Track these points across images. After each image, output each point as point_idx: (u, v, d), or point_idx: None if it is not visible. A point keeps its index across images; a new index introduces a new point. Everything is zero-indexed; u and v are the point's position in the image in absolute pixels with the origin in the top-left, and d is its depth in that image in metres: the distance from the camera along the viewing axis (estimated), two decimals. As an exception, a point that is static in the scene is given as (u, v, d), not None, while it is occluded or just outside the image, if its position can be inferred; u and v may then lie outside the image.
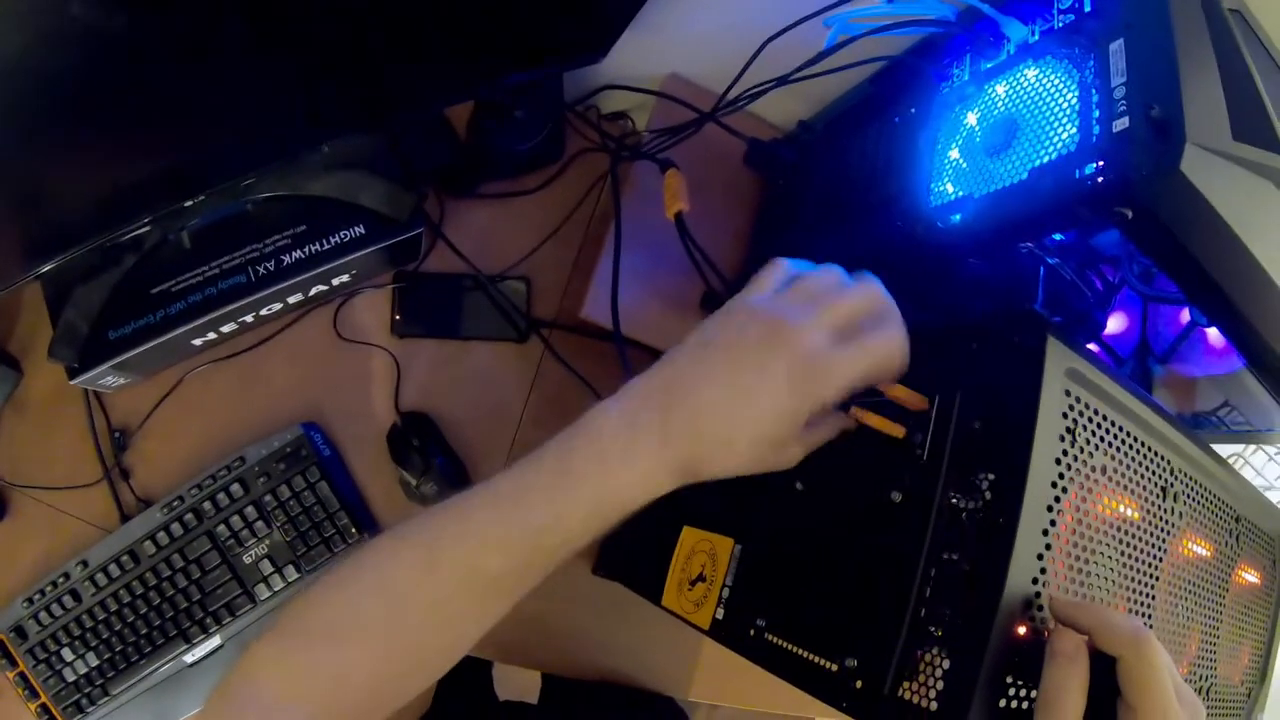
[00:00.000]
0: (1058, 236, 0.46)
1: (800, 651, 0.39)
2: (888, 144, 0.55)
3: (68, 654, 0.64)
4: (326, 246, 0.59)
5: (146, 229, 0.59)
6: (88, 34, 0.39)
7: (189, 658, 0.63)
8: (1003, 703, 0.31)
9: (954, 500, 0.34)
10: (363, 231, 0.59)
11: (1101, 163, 0.35)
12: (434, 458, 0.60)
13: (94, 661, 0.64)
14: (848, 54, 0.52)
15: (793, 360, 0.32)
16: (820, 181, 0.61)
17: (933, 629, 0.33)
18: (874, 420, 0.38)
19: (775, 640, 0.41)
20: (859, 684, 0.35)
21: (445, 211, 0.63)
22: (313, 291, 0.61)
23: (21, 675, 0.65)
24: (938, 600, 0.33)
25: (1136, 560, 0.38)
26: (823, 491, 0.43)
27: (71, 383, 0.59)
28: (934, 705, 0.31)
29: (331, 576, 0.35)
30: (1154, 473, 0.39)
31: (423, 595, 0.34)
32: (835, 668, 0.36)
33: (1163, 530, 0.39)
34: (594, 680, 0.65)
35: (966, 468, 0.35)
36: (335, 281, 0.61)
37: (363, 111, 0.59)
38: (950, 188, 0.47)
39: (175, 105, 0.49)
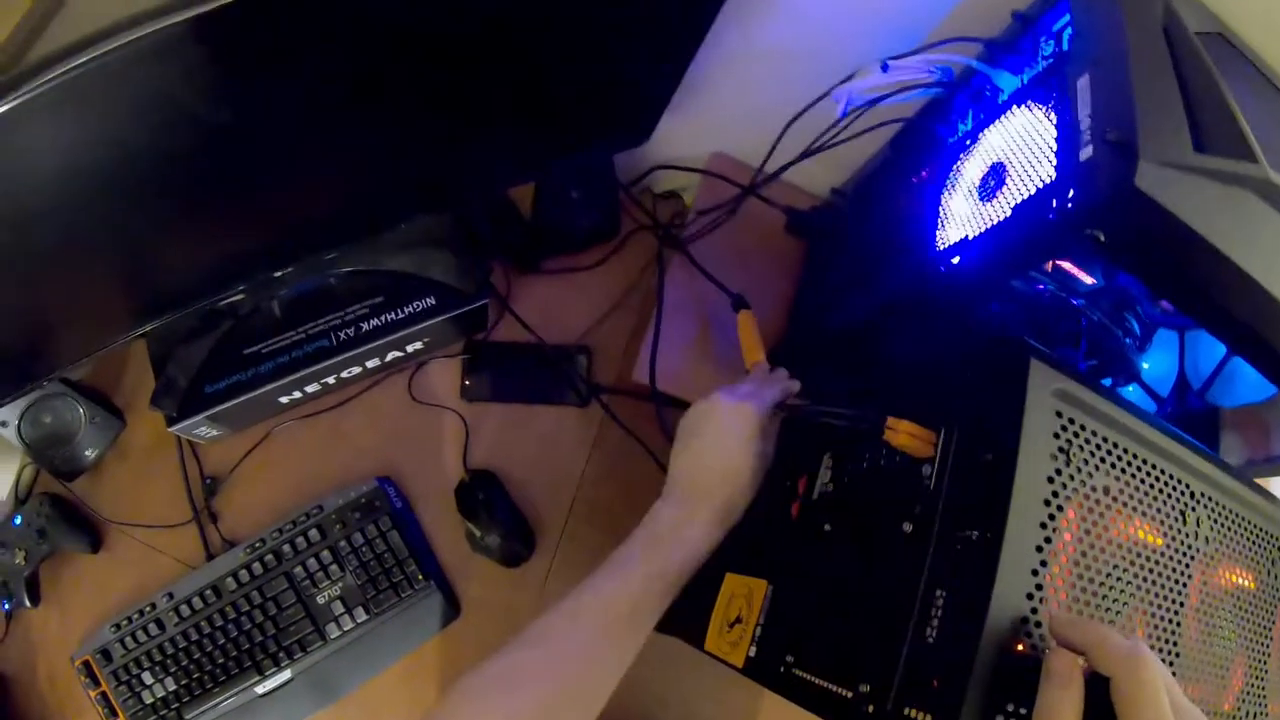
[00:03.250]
0: (1086, 282, 0.49)
1: (821, 682, 0.41)
2: (904, 200, 0.59)
3: (148, 678, 0.69)
4: (401, 316, 0.65)
5: (242, 296, 0.66)
6: (198, 127, 0.44)
7: (260, 689, 0.67)
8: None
9: (955, 525, 0.36)
10: (433, 303, 0.65)
11: (1072, 191, 0.36)
12: (499, 512, 0.65)
13: (171, 686, 0.69)
14: (865, 121, 0.58)
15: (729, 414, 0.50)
16: (852, 242, 0.66)
17: (932, 652, 0.34)
18: (902, 439, 0.41)
19: (801, 674, 0.43)
20: (870, 709, 0.36)
21: (512, 285, 0.68)
22: (389, 357, 0.66)
23: (103, 695, 0.70)
24: (936, 623, 0.34)
25: (1157, 586, 0.37)
26: (847, 530, 0.46)
27: (170, 430, 0.65)
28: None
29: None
30: (1169, 497, 0.39)
31: (570, 642, 0.44)
32: (850, 694, 0.38)
33: (1185, 556, 0.39)
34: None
35: (966, 493, 0.36)
36: (409, 348, 0.66)
37: (432, 194, 0.65)
38: (951, 233, 0.51)
39: (272, 190, 0.55)
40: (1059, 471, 0.35)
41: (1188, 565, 0.39)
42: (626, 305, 0.70)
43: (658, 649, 0.65)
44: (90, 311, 0.63)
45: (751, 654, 0.49)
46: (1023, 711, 0.31)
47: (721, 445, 0.50)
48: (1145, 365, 0.56)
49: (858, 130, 0.62)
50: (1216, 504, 0.42)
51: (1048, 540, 0.33)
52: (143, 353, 0.70)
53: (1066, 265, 0.52)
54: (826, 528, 0.48)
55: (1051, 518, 0.34)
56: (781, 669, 0.46)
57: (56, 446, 0.70)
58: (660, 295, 0.62)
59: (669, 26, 0.56)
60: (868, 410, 0.45)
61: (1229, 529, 0.43)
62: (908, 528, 0.40)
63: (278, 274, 0.64)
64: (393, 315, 0.64)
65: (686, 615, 0.64)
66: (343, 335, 0.64)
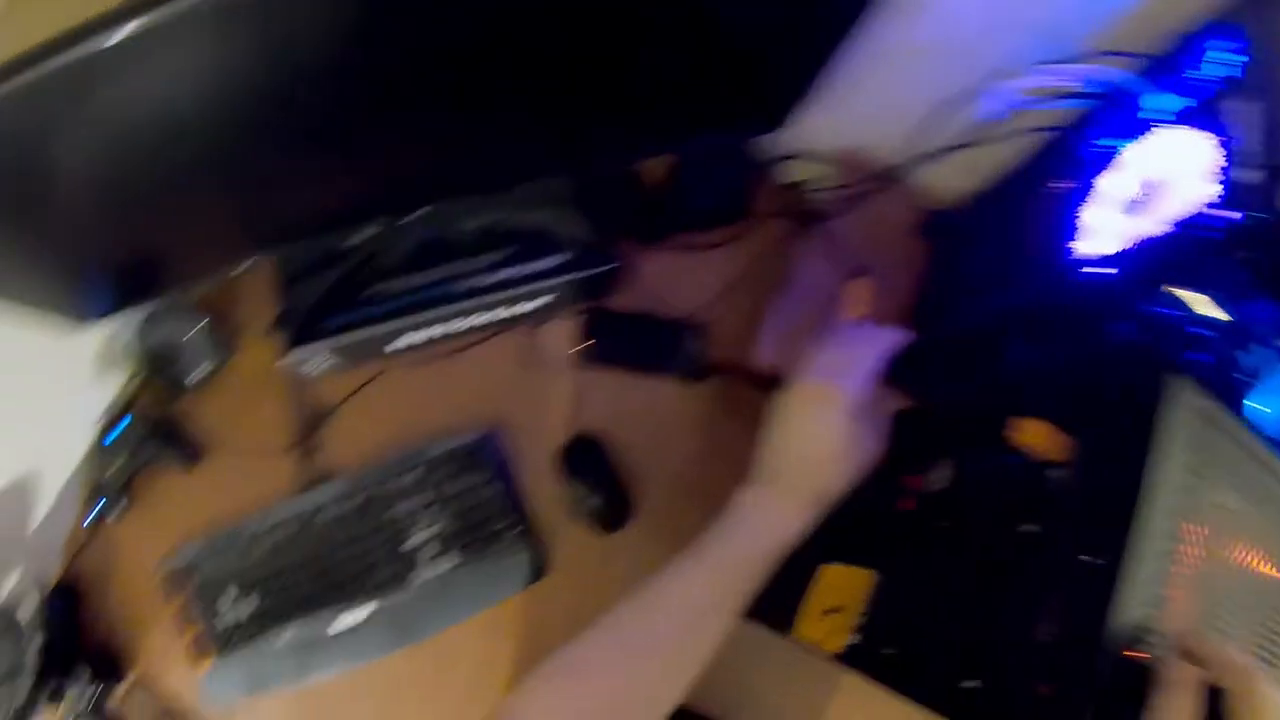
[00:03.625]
0: (1212, 314, 0.49)
1: (926, 674, 0.42)
2: (1042, 210, 0.59)
3: (229, 597, 0.69)
4: (528, 271, 0.65)
5: (373, 235, 0.66)
6: (354, 58, 0.45)
7: (338, 623, 0.68)
8: None
9: (1082, 530, 0.37)
10: (562, 262, 0.65)
11: (1236, 212, 0.38)
12: (600, 478, 0.65)
13: (250, 610, 0.69)
14: (1008, 127, 0.59)
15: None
16: (983, 247, 0.66)
17: (1051, 652, 0.35)
18: (1029, 439, 0.41)
19: (904, 665, 0.44)
20: (979, 703, 0.37)
21: (636, 255, 0.68)
22: (510, 312, 0.66)
23: (182, 609, 0.72)
24: (1057, 624, 0.35)
25: (1270, 617, 0.37)
26: (965, 528, 0.46)
27: (283, 359, 0.65)
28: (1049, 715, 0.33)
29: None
30: None
31: (644, 634, 0.43)
32: (958, 688, 0.39)
33: None
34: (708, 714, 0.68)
35: (1096, 499, 0.37)
36: (531, 306, 0.66)
37: (567, 156, 0.66)
38: (1091, 245, 0.52)
39: (416, 131, 0.56)
40: (1192, 489, 0.35)
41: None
42: (744, 289, 0.69)
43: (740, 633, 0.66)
44: (219, 232, 0.63)
45: (852, 642, 0.49)
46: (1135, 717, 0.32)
47: (807, 432, 0.47)
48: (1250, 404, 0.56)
49: (999, 134, 0.62)
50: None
51: (1174, 555, 0.34)
52: (263, 280, 0.71)
53: (1190, 293, 0.52)
54: (943, 524, 0.48)
55: (1180, 533, 0.34)
56: (883, 659, 0.46)
57: (167, 362, 0.71)
58: (790, 277, 0.62)
59: (817, 16, 0.56)
60: (998, 407, 0.45)
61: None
62: (1031, 529, 0.40)
63: (412, 216, 0.65)
64: (521, 270, 0.64)
65: (771, 601, 0.64)
66: (469, 284, 0.65)
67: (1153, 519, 0.33)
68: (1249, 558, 0.37)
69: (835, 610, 0.53)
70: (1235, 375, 0.50)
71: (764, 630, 0.66)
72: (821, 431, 0.47)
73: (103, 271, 0.61)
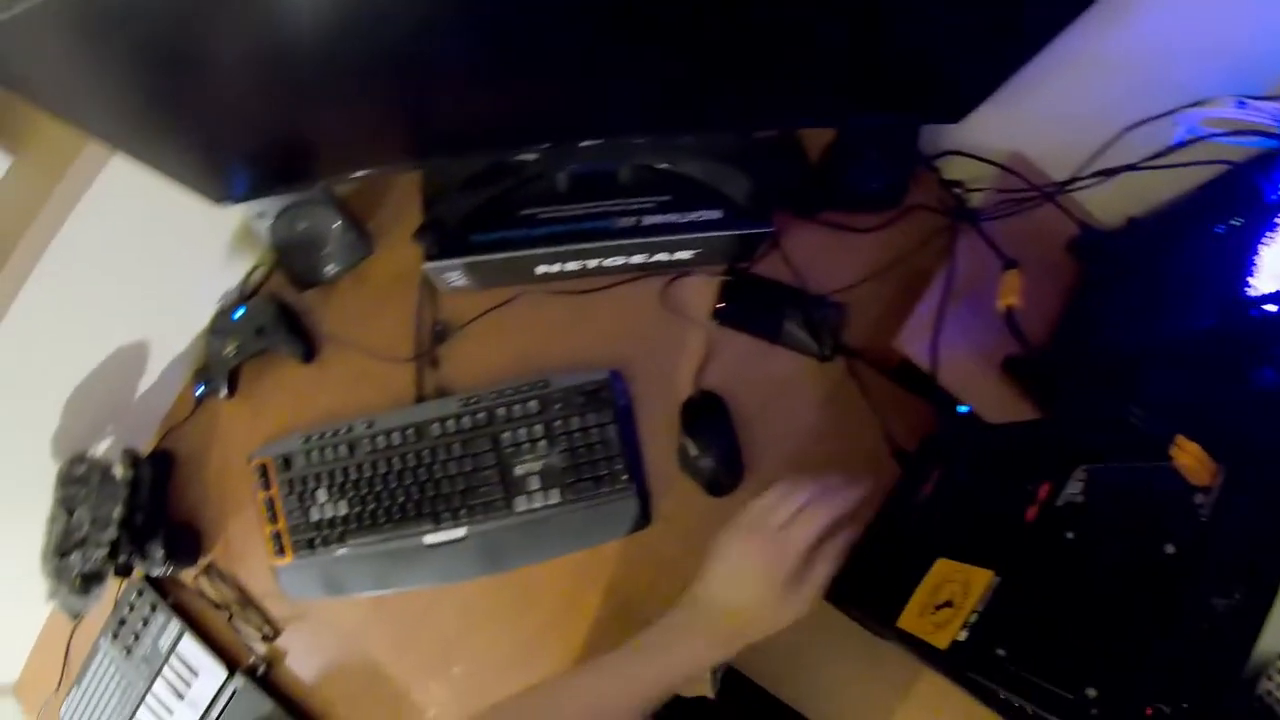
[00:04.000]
0: None
1: (1037, 679, 0.42)
2: (1211, 243, 0.59)
3: (322, 495, 0.69)
4: (683, 220, 0.64)
5: (535, 158, 0.66)
6: None
7: (430, 539, 0.67)
8: None
9: (1227, 558, 0.37)
10: (718, 217, 0.64)
11: None
12: (720, 438, 0.64)
13: (343, 510, 0.69)
14: (1190, 155, 0.58)
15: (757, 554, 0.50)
16: (1143, 272, 0.64)
17: (1183, 672, 0.35)
18: (1186, 460, 0.41)
19: (1014, 666, 0.44)
20: (1096, 712, 0.37)
21: (785, 226, 0.67)
22: (656, 258, 0.66)
23: (270, 500, 0.71)
24: (1191, 645, 0.35)
25: None
26: (1094, 540, 0.46)
27: (424, 267, 0.65)
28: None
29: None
30: None
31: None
32: (1072, 696, 0.38)
33: None
34: (779, 699, 0.68)
35: (1246, 528, 0.37)
36: (678, 255, 0.66)
37: (745, 109, 0.64)
38: (1268, 283, 0.52)
39: (596, 64, 0.55)
40: None
41: None
42: (887, 277, 0.68)
43: (830, 620, 0.66)
44: (377, 132, 0.63)
45: (960, 639, 0.49)
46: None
47: (741, 583, 0.50)
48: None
49: (1173, 162, 0.61)
50: None
51: None
52: (409, 186, 0.71)
53: None
54: (1069, 535, 0.48)
55: None
56: (991, 658, 0.46)
57: (302, 252, 0.71)
58: (948, 271, 0.61)
59: (1027, 17, 0.55)
60: (1158, 423, 0.45)
61: None
62: (1170, 550, 0.40)
63: (575, 146, 0.64)
64: (676, 217, 0.64)
65: (869, 591, 0.64)
66: (621, 223, 0.64)
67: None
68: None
69: (945, 605, 0.53)
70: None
71: (852, 623, 0.66)
72: (752, 590, 0.49)
73: (251, 153, 0.61)
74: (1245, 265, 0.55)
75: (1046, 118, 0.67)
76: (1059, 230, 0.68)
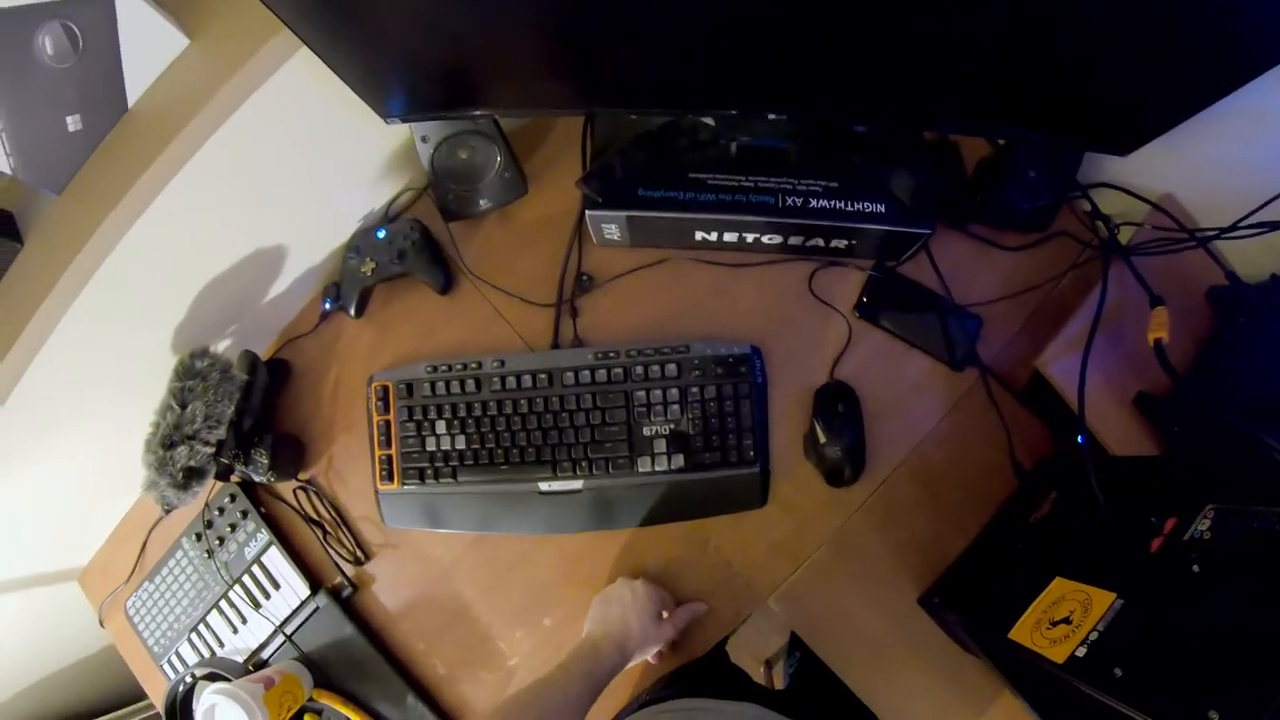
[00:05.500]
0: None
1: (1154, 698, 0.44)
2: None
3: (440, 427, 0.70)
4: (847, 208, 0.65)
5: (711, 123, 0.66)
6: None
7: (545, 486, 0.68)
8: None
9: None
10: (881, 211, 0.65)
11: None
12: (849, 428, 0.64)
13: (460, 445, 0.69)
14: None
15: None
16: (1276, 328, 0.66)
17: None
18: None
19: (1130, 685, 0.46)
20: None
21: (935, 232, 0.68)
22: (811, 242, 0.66)
23: (386, 424, 0.71)
24: None
25: None
26: (1221, 575, 0.48)
27: (587, 213, 0.65)
28: None
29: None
30: None
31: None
32: (1192, 716, 0.40)
33: None
34: (849, 692, 0.69)
35: None
36: (834, 243, 0.66)
37: (919, 109, 0.64)
38: None
39: (793, 40, 0.55)
40: None
41: None
42: (1026, 298, 0.68)
43: (918, 625, 0.67)
44: (557, 71, 0.63)
45: (1078, 654, 0.51)
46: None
47: (611, 619, 0.64)
48: None
49: None
50: None
51: None
52: (571, 133, 0.72)
53: None
54: (1195, 569, 0.49)
55: None
56: (1109, 677, 0.47)
57: (457, 182, 0.71)
58: (1099, 298, 0.63)
59: (1216, 63, 0.56)
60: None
61: None
62: None
63: (755, 117, 0.65)
64: (840, 204, 0.64)
65: (975, 602, 0.65)
66: (787, 201, 0.64)
67: None
68: None
69: (1063, 622, 0.55)
70: None
71: (938, 632, 0.67)
72: (621, 615, 0.64)
73: (425, 69, 0.60)
74: None
75: (1205, 164, 0.67)
76: (1200, 277, 0.69)
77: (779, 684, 0.73)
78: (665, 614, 0.66)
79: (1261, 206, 0.65)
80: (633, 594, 0.66)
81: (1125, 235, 0.70)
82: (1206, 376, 0.68)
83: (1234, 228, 0.67)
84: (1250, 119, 0.62)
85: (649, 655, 0.67)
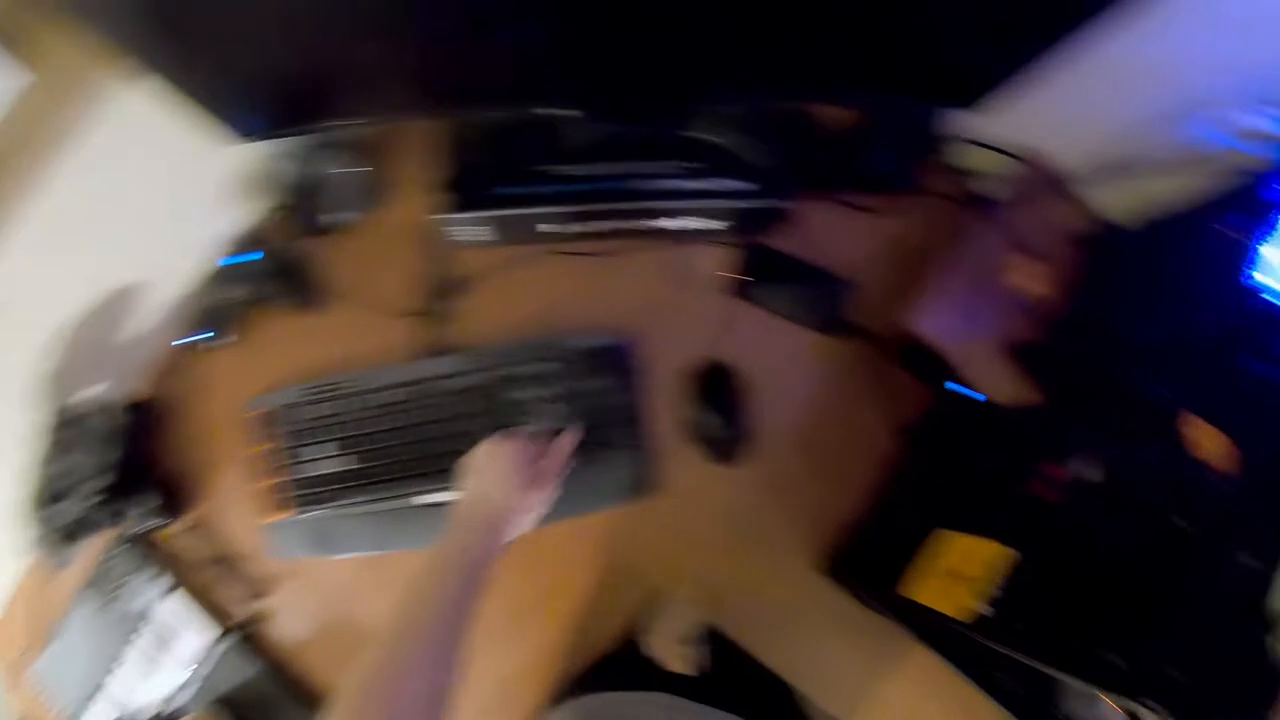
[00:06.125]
0: None
1: (1056, 644, 0.44)
2: (1217, 244, 0.61)
3: (321, 450, 0.68)
4: (704, 187, 0.64)
5: (562, 117, 0.64)
6: None
7: (430, 499, 0.67)
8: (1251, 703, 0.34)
9: (1250, 531, 0.39)
10: (739, 187, 0.65)
11: None
12: (728, 407, 0.64)
13: (342, 467, 0.68)
14: (1205, 159, 0.59)
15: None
16: (1147, 270, 0.66)
17: (1205, 633, 0.37)
18: (1201, 439, 0.43)
19: (1033, 636, 0.46)
20: (1118, 676, 0.39)
21: (800, 202, 0.68)
22: (673, 224, 0.66)
23: (266, 453, 0.70)
24: (1206, 611, 0.37)
25: None
26: (1108, 515, 0.48)
27: (442, 218, 0.64)
28: (1195, 688, 0.35)
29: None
30: None
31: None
32: (1093, 660, 0.40)
33: None
34: (765, 669, 0.68)
35: (1253, 506, 0.39)
36: (695, 224, 0.66)
37: (765, 82, 0.64)
38: (1270, 279, 0.55)
39: (626, 24, 0.55)
40: None
41: None
42: (896, 259, 0.68)
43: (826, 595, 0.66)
44: (405, 77, 0.62)
45: (978, 609, 0.51)
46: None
47: (489, 479, 0.59)
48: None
49: (1187, 165, 0.62)
50: None
51: None
52: (429, 137, 0.70)
53: None
54: (1083, 512, 0.49)
55: None
56: (1011, 627, 0.47)
57: (313, 198, 0.70)
58: (962, 254, 0.62)
59: (1043, 11, 0.56)
60: (1173, 401, 0.47)
61: None
62: (1183, 524, 0.42)
63: (601, 107, 0.63)
64: (696, 184, 0.64)
65: (872, 562, 0.65)
66: (643, 185, 0.64)
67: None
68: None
69: (958, 577, 0.54)
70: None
71: (846, 597, 0.66)
72: (496, 483, 0.59)
73: (270, 87, 0.59)
74: (1248, 263, 0.57)
75: (1065, 115, 0.67)
76: (1066, 224, 0.70)
77: (698, 665, 0.72)
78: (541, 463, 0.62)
79: (1114, 153, 0.65)
80: (490, 457, 0.60)
81: (990, 188, 0.70)
82: (1080, 321, 0.68)
83: (1088, 174, 0.68)
84: (1101, 67, 0.62)
85: (528, 525, 0.60)
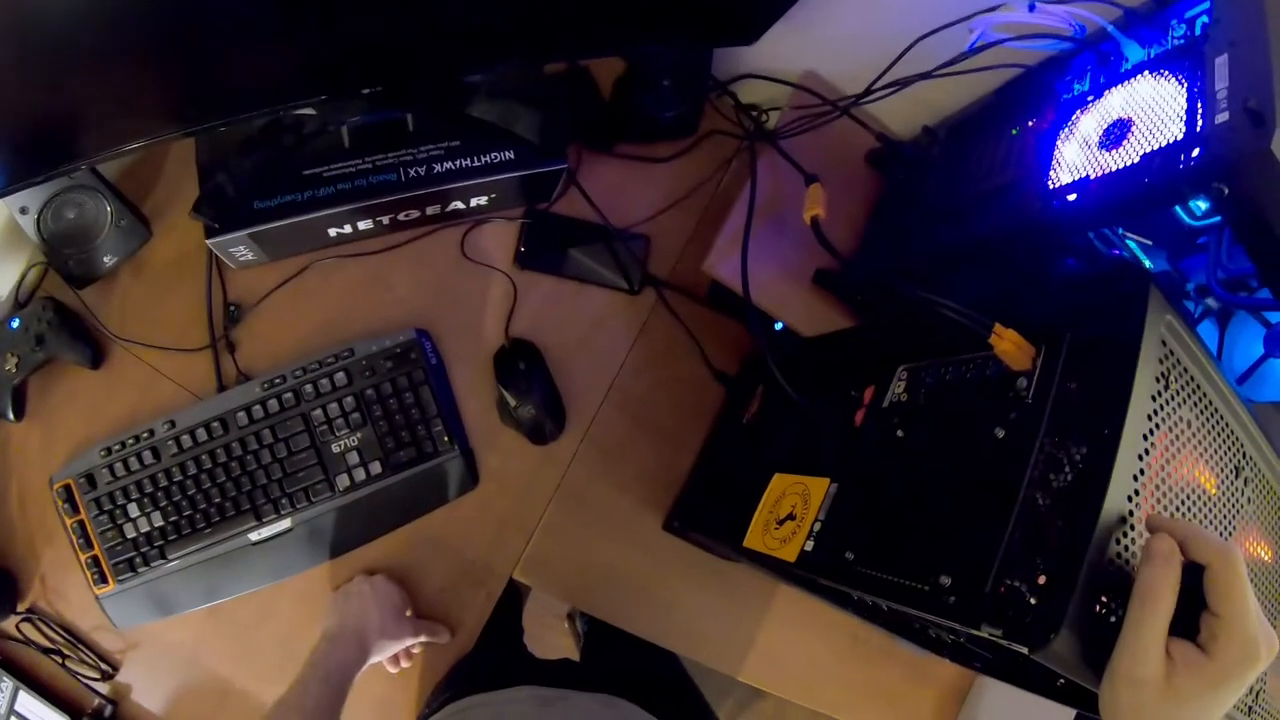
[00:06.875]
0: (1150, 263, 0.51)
1: (889, 576, 0.42)
2: (1008, 144, 0.60)
3: (134, 510, 0.64)
4: (475, 164, 0.62)
5: (311, 113, 0.62)
6: None
7: (255, 536, 0.64)
8: (1097, 608, 0.33)
9: (1061, 432, 0.38)
10: (511, 158, 0.63)
11: (1202, 148, 0.40)
12: (536, 385, 0.62)
13: (159, 522, 0.64)
14: (982, 60, 0.58)
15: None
16: (940, 179, 0.66)
17: (1035, 540, 0.36)
18: (1006, 346, 0.42)
19: (863, 569, 0.45)
20: (954, 599, 0.38)
21: (581, 162, 0.66)
22: (451, 206, 0.64)
23: (80, 524, 0.66)
24: (1041, 512, 0.36)
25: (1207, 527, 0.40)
26: (924, 435, 0.47)
27: (206, 243, 0.61)
28: (1033, 599, 0.34)
29: None
30: (1230, 448, 0.42)
31: None
32: (927, 587, 0.39)
33: (1232, 511, 0.42)
34: (640, 639, 0.67)
35: (1075, 402, 0.38)
36: (473, 202, 0.64)
37: (528, 41, 0.62)
38: (1067, 175, 0.53)
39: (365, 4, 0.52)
40: (1158, 395, 0.37)
41: (1231, 520, 0.42)
42: (689, 204, 0.68)
43: (674, 552, 0.65)
44: (138, 99, 0.57)
45: (807, 549, 0.50)
46: (1114, 605, 0.33)
47: (349, 613, 0.63)
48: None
49: (966, 69, 0.62)
50: (1261, 472, 0.45)
51: (1147, 452, 0.36)
52: (184, 160, 0.66)
53: (1138, 239, 0.54)
54: (899, 434, 0.49)
55: (1152, 432, 0.36)
56: (841, 563, 0.46)
57: (74, 246, 0.65)
58: (750, 191, 0.61)
59: None
60: (976, 314, 0.46)
61: (1266, 499, 0.46)
62: (1000, 434, 0.41)
63: (354, 97, 0.61)
64: (466, 162, 0.62)
65: (711, 515, 0.64)
66: (411, 173, 0.61)
67: (1132, 421, 0.35)
68: (1193, 468, 0.39)
69: (788, 519, 0.53)
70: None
71: (698, 552, 0.65)
72: (357, 614, 0.62)
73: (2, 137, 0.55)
74: (1043, 162, 0.56)
75: (838, 35, 0.67)
76: (857, 144, 0.69)
77: (575, 655, 0.70)
78: (409, 613, 0.63)
79: (891, 66, 0.64)
80: (371, 587, 0.63)
81: (774, 121, 0.70)
82: (878, 240, 0.68)
83: (869, 91, 0.67)
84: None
85: (391, 654, 0.64)
